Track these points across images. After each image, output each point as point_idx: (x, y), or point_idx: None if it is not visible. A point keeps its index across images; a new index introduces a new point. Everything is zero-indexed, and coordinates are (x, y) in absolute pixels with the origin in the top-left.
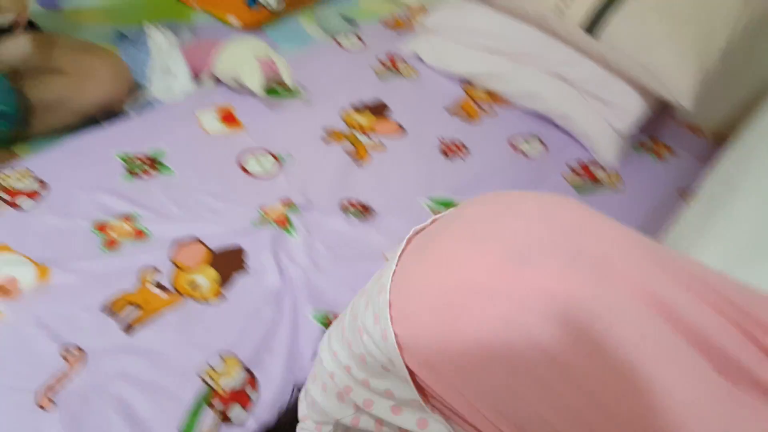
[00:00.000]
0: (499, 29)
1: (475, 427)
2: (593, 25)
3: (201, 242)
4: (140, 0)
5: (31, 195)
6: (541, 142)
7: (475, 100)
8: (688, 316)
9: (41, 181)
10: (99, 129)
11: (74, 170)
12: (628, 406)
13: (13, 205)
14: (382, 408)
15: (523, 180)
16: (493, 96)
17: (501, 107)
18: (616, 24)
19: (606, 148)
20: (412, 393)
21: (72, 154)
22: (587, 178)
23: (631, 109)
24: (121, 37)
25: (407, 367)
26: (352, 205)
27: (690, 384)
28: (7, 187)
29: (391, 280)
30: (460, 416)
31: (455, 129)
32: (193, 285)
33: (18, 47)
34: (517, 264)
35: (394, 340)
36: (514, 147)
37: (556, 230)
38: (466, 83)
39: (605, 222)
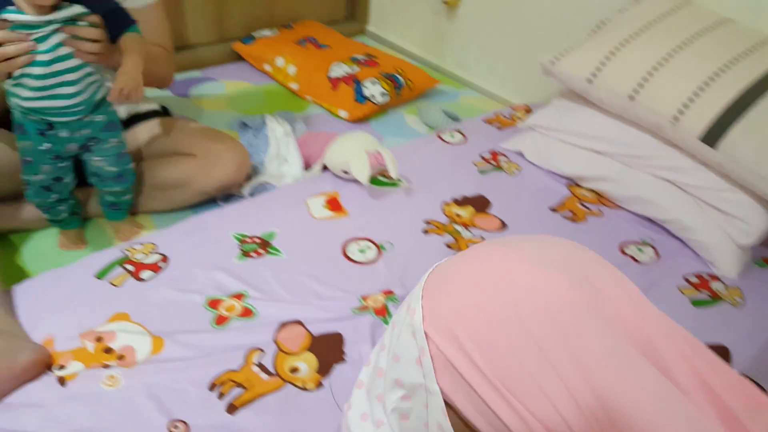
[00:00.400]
0: (606, 132)
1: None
2: (711, 135)
3: (303, 325)
4: (260, 91)
5: (153, 268)
6: (653, 248)
7: (582, 200)
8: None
9: (163, 256)
10: (217, 208)
11: (193, 247)
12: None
13: (136, 276)
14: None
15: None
16: (600, 197)
17: (609, 209)
18: (736, 135)
19: (726, 260)
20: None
21: (192, 231)
22: (705, 291)
23: (755, 222)
24: (242, 124)
25: (426, 334)
26: None
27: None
28: (134, 259)
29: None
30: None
31: (560, 228)
32: (295, 370)
33: (152, 130)
34: (537, 264)
35: (421, 314)
36: (623, 251)
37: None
38: (572, 182)
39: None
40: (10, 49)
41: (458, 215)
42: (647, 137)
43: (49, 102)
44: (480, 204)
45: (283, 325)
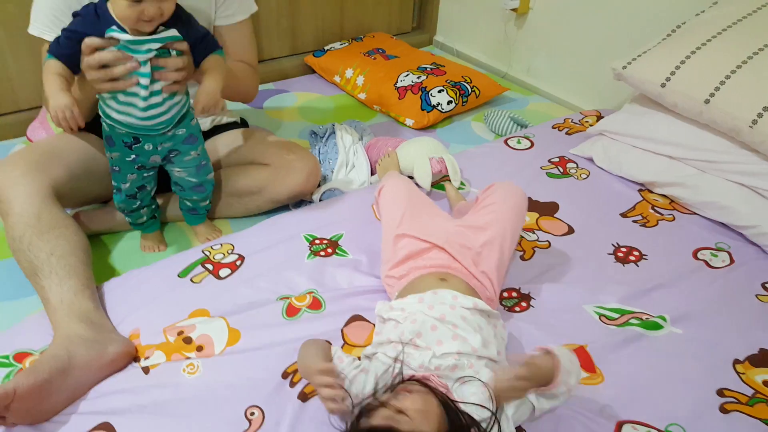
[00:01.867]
0: (680, 137)
1: None
2: None
3: (367, 320)
4: (330, 102)
5: (231, 267)
6: (728, 253)
7: (654, 205)
8: None
9: (240, 255)
10: (288, 212)
11: (267, 247)
12: None
13: (215, 275)
14: None
15: (707, 293)
16: (673, 202)
17: (683, 214)
18: None
19: None
20: None
21: (267, 233)
22: None
23: None
24: (312, 133)
25: None
26: (509, 294)
27: None
28: (213, 259)
29: None
30: None
31: (630, 234)
32: None
33: (230, 141)
34: None
35: None
36: (696, 256)
37: None
38: (643, 187)
39: None
40: (118, 70)
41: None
42: (723, 141)
43: (140, 122)
44: (546, 208)
45: (350, 319)
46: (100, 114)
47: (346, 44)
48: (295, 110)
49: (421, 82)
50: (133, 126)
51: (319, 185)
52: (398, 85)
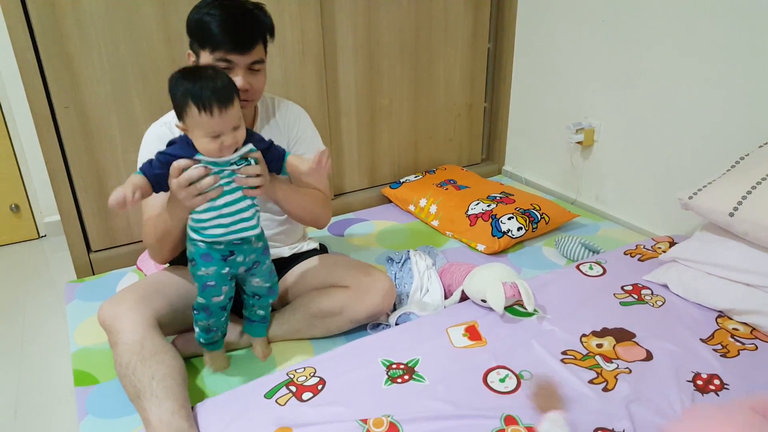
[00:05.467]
0: (756, 264)
1: None
2: None
3: None
4: (405, 229)
5: (313, 390)
6: None
7: (733, 333)
8: None
9: (321, 379)
10: (366, 335)
11: (346, 371)
12: None
13: (298, 397)
14: None
15: None
16: (755, 330)
17: (765, 344)
18: None
19: None
20: None
21: (346, 357)
22: None
23: None
24: (389, 259)
25: None
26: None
27: None
28: (296, 382)
29: None
30: None
31: (709, 362)
32: None
33: (312, 265)
34: None
35: None
36: None
37: None
38: (721, 315)
39: None
40: (204, 183)
41: (598, 345)
42: None
43: (235, 234)
44: (622, 335)
45: None
46: (193, 236)
47: (420, 177)
48: (372, 237)
49: (491, 210)
50: (232, 241)
51: (394, 308)
52: (469, 212)
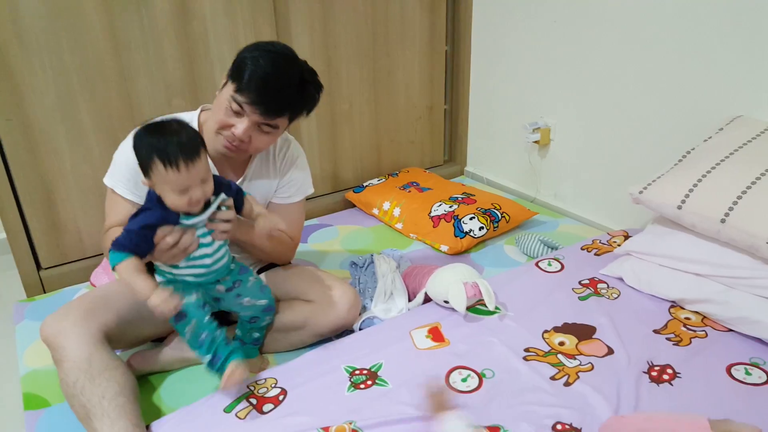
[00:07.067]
0: (704, 255)
1: None
2: None
3: None
4: (369, 233)
5: (274, 401)
6: (763, 370)
7: (685, 323)
8: None
9: (282, 389)
10: (329, 342)
11: (308, 380)
12: None
13: (259, 410)
14: None
15: (742, 412)
16: (705, 319)
17: (716, 331)
18: None
19: None
20: None
21: (308, 366)
22: None
23: None
24: (352, 263)
25: None
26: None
27: None
28: (257, 394)
29: None
30: None
31: (663, 352)
32: None
33: (274, 278)
34: None
35: None
36: (730, 373)
37: None
38: (674, 305)
39: None
40: (185, 241)
41: (561, 343)
42: (746, 258)
43: (211, 275)
44: (583, 331)
45: None
46: (163, 269)
47: (383, 180)
48: (336, 242)
49: (453, 211)
50: (203, 276)
51: (360, 314)
52: (432, 214)
